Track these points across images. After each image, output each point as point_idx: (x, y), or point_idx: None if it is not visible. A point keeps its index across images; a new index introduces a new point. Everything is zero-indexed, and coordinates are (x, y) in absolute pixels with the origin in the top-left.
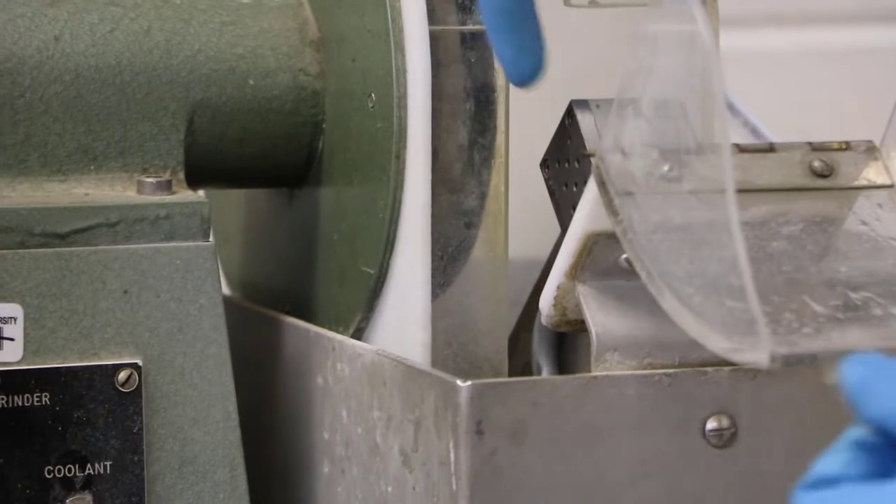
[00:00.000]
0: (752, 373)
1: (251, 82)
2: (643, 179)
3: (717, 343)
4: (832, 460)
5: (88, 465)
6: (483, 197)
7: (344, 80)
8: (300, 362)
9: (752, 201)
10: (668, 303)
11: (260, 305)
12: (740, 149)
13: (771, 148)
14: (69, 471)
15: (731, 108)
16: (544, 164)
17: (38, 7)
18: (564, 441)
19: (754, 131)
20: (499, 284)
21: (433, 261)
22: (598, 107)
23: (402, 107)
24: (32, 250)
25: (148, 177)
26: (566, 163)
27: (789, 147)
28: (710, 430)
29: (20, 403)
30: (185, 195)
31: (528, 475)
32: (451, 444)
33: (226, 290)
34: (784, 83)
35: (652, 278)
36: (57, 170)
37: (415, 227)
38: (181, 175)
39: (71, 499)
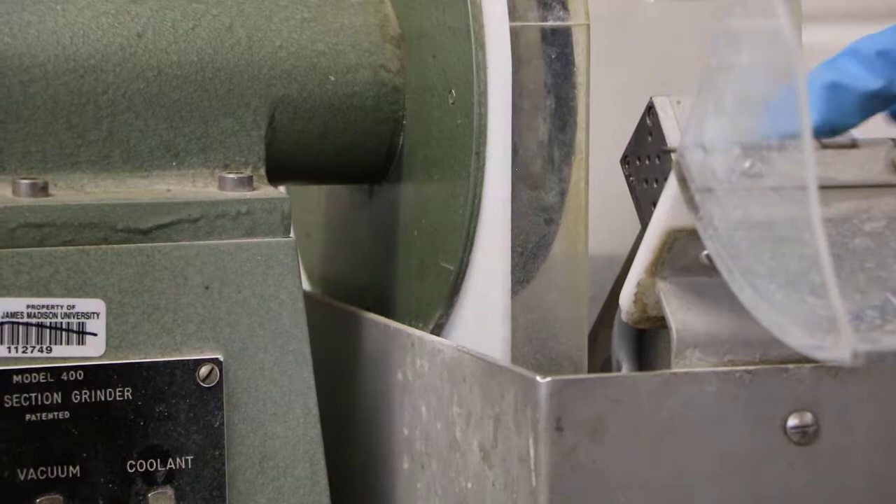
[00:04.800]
0: (835, 370)
1: (332, 78)
2: (724, 176)
3: (798, 340)
4: None
5: (170, 460)
6: (563, 193)
7: (424, 76)
8: (380, 358)
9: (835, 198)
10: (749, 299)
11: (340, 301)
12: (823, 145)
13: (854, 144)
14: (151, 465)
15: None
16: (624, 161)
17: (121, 4)
18: (644, 438)
19: None
20: (579, 281)
21: (513, 257)
22: (678, 103)
23: (483, 103)
24: (115, 246)
25: (229, 173)
26: (646, 159)
27: (872, 143)
28: (792, 428)
29: (103, 398)
30: (266, 191)
31: (608, 472)
32: (530, 441)
33: (306, 285)
34: None
35: (733, 275)
36: (139, 166)
37: (494, 223)
38: (262, 171)
39: (153, 493)
